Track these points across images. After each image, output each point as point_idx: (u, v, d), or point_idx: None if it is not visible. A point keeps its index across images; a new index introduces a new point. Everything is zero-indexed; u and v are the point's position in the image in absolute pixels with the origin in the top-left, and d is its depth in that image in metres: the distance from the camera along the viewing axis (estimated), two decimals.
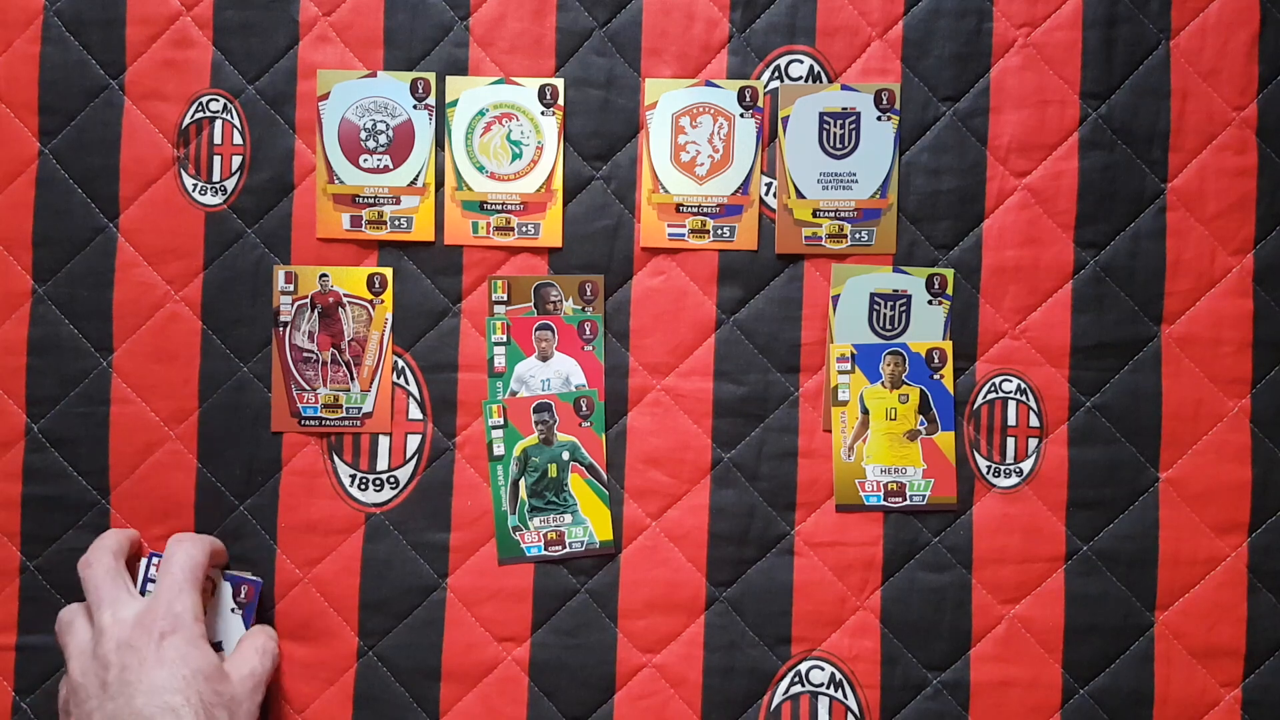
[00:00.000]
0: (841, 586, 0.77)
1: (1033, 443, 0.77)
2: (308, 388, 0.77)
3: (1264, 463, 0.77)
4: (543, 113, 0.78)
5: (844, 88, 0.78)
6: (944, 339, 0.77)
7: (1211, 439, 0.77)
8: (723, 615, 0.77)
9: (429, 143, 0.78)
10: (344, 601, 0.77)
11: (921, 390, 0.77)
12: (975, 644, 0.77)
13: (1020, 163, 0.77)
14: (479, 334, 0.78)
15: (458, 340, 0.78)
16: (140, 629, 0.66)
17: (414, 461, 0.78)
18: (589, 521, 0.77)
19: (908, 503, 0.77)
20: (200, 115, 0.78)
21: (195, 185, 0.78)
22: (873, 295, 0.77)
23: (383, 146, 0.78)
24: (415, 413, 0.78)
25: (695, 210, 0.77)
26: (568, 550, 0.77)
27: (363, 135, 0.78)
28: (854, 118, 0.78)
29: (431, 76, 0.78)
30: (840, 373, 0.77)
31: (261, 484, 0.78)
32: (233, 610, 0.75)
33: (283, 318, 0.78)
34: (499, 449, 0.77)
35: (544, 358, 0.78)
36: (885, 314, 0.77)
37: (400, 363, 0.78)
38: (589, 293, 0.78)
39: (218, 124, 0.78)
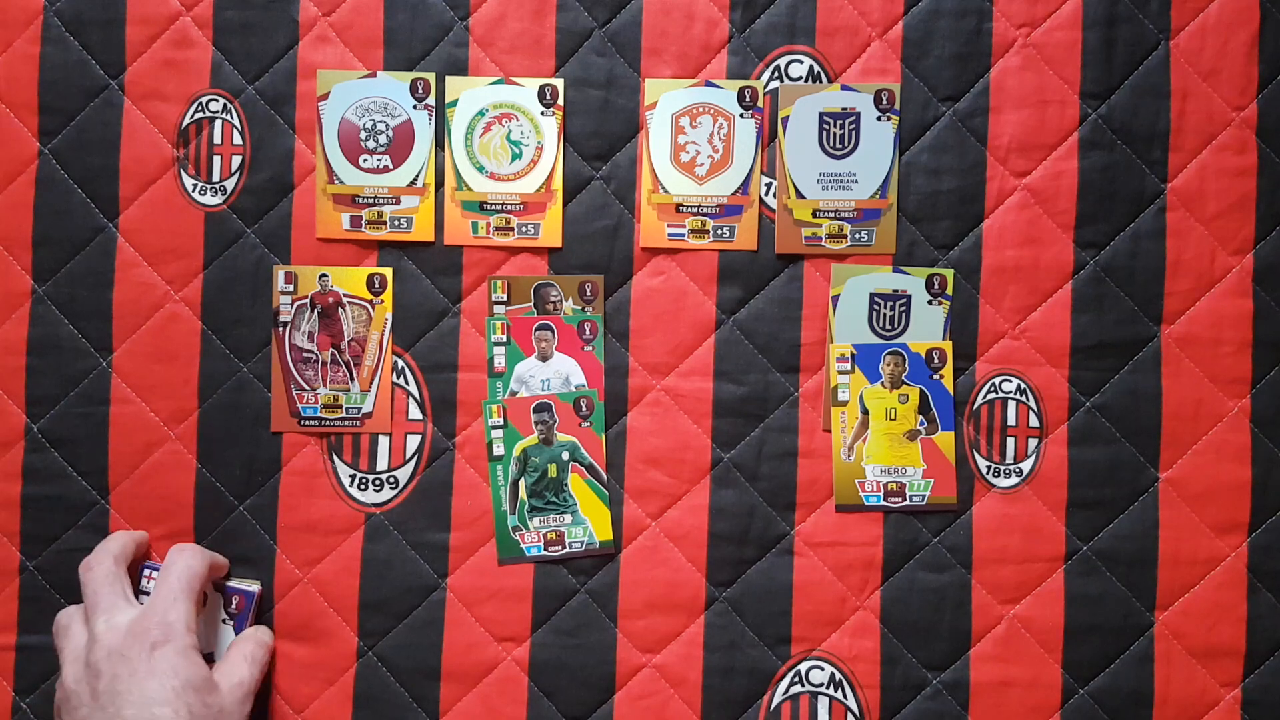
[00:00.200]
0: (841, 586, 0.77)
1: (1033, 443, 0.77)
2: (308, 388, 0.77)
3: (1264, 463, 0.77)
4: (543, 113, 0.78)
5: (844, 88, 0.78)
6: (944, 339, 0.77)
7: (1211, 439, 0.77)
8: (723, 615, 0.77)
9: (429, 143, 0.78)
10: (344, 601, 0.77)
11: (921, 390, 0.77)
12: (975, 644, 0.77)
13: (1020, 163, 0.77)
14: (479, 334, 0.78)
15: (458, 340, 0.78)
16: (133, 638, 0.66)
17: (414, 461, 0.78)
18: (589, 521, 0.77)
19: (908, 503, 0.77)
20: (200, 115, 0.78)
21: (195, 185, 0.78)
22: (873, 295, 0.77)
23: (383, 146, 0.78)
24: (415, 413, 0.78)
25: (695, 210, 0.77)
26: (568, 550, 0.77)
27: (363, 135, 0.78)
28: (854, 118, 0.78)
29: (431, 76, 0.78)
30: (840, 373, 0.77)
31: (261, 484, 0.78)
32: (224, 621, 0.75)
33: (283, 318, 0.78)
34: (499, 449, 0.77)
35: (544, 358, 0.78)
36: (885, 314, 0.77)
37: (400, 363, 0.78)
38: (589, 293, 0.78)
39: (218, 124, 0.78)
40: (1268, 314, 0.77)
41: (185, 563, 0.70)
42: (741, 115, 0.78)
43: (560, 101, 0.78)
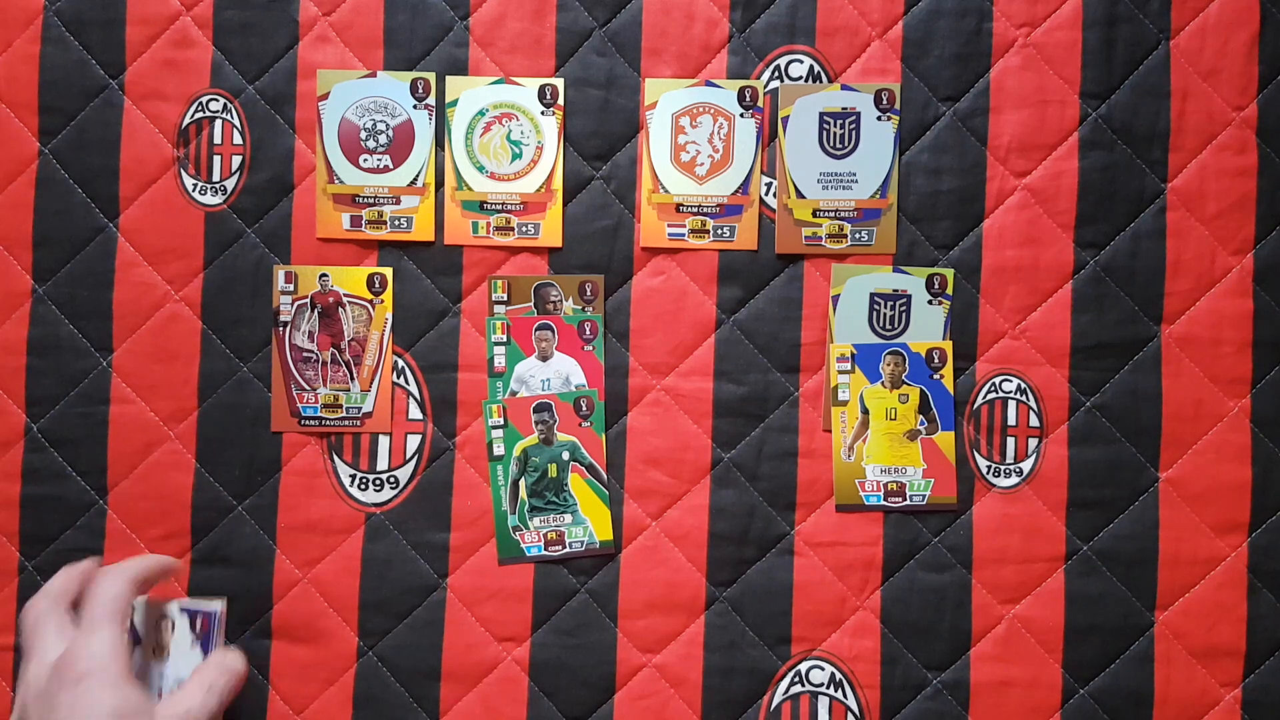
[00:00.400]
0: (841, 586, 0.77)
1: (1033, 443, 0.77)
2: (308, 388, 0.77)
3: (1264, 463, 0.77)
4: (543, 113, 0.78)
5: (844, 88, 0.78)
6: (944, 339, 0.77)
7: (1211, 439, 0.77)
8: (723, 615, 0.77)
9: (429, 143, 0.78)
10: (344, 601, 0.77)
11: (921, 390, 0.77)
12: (975, 644, 0.77)
13: (1020, 163, 0.77)
14: (479, 334, 0.78)
15: (458, 340, 0.78)
16: (57, 677, 0.61)
17: (414, 461, 0.78)
18: (589, 521, 0.77)
19: (908, 503, 0.77)
20: (200, 115, 0.78)
21: (195, 185, 0.78)
22: (873, 295, 0.77)
23: (383, 146, 0.78)
24: (415, 413, 0.78)
25: (695, 210, 0.77)
26: (568, 550, 0.77)
27: (363, 135, 0.78)
28: (854, 118, 0.78)
29: (431, 76, 0.78)
30: (840, 373, 0.77)
31: (261, 484, 0.78)
32: (192, 644, 0.71)
33: (283, 318, 0.78)
34: (499, 449, 0.77)
35: (544, 358, 0.78)
36: (885, 314, 0.77)
37: (400, 363, 0.78)
38: (589, 293, 0.78)
39: (218, 124, 0.78)
40: (1268, 314, 0.77)
41: (104, 588, 0.65)
42: (742, 115, 0.78)
43: (560, 101, 0.78)
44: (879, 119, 0.78)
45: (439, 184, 0.78)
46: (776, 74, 0.78)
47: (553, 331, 0.77)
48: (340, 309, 0.78)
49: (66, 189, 0.78)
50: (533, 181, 0.77)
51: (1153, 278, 0.77)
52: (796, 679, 0.76)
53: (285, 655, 0.77)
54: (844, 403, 0.77)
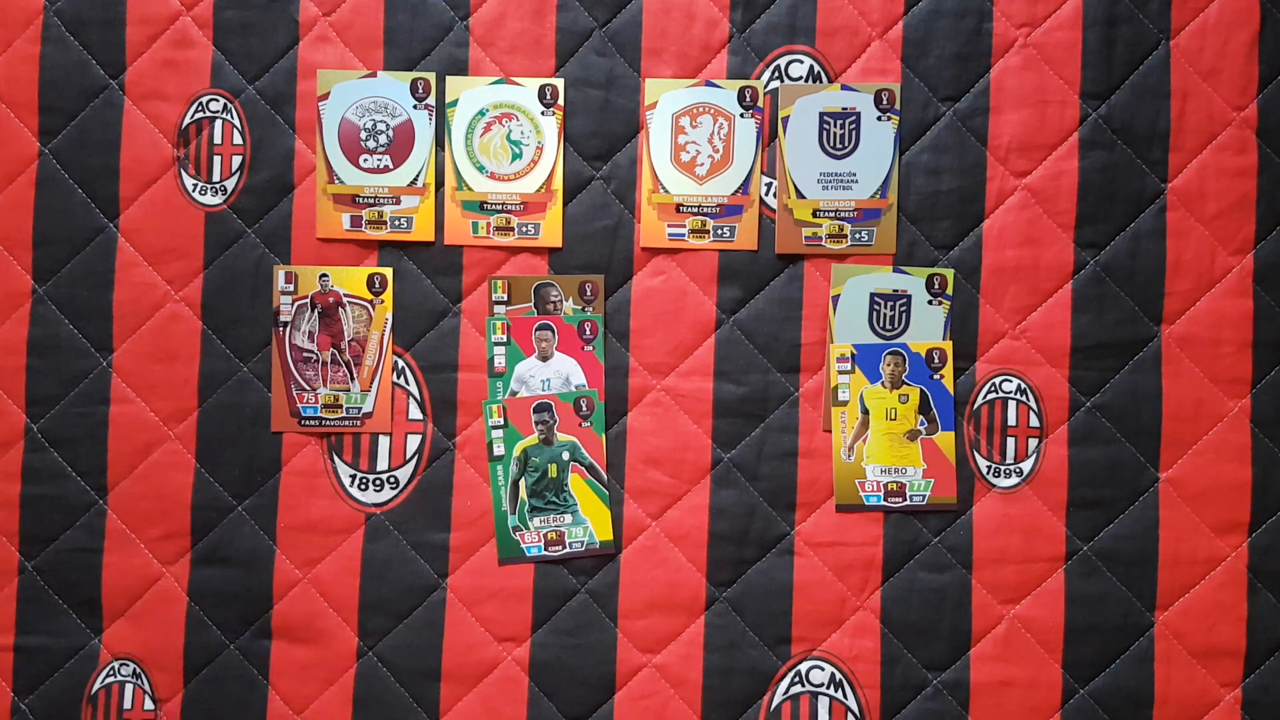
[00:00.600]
0: (841, 586, 0.77)
1: (1033, 443, 0.77)
2: (308, 388, 0.77)
3: (1264, 463, 0.77)
4: (543, 113, 0.78)
5: (844, 88, 0.78)
6: (944, 339, 0.77)
7: (1211, 439, 0.77)
8: (723, 615, 0.77)
9: (429, 143, 0.78)
10: (344, 601, 0.77)
11: (921, 390, 0.77)
12: (975, 644, 0.77)
13: (1020, 163, 0.78)
14: (479, 334, 0.78)
15: (458, 340, 0.78)
16: None
17: (414, 461, 0.78)
18: (589, 521, 0.77)
19: (908, 503, 0.77)
20: (200, 115, 0.78)
21: (195, 185, 0.78)
22: (873, 295, 0.77)
23: (383, 146, 0.78)
24: (415, 413, 0.78)
25: (695, 210, 0.77)
26: (568, 550, 0.77)
27: (363, 135, 0.78)
28: (854, 118, 0.78)
29: (431, 76, 0.78)
30: (840, 373, 0.77)
31: (261, 484, 0.78)
32: None
33: (283, 318, 0.78)
34: (499, 449, 0.77)
35: (544, 358, 0.78)
36: (885, 314, 0.77)
37: (400, 363, 0.78)
38: (589, 293, 0.78)
39: (218, 124, 0.78)
40: (1268, 314, 0.77)
41: None
42: (742, 115, 0.78)
43: (560, 101, 0.78)
44: (879, 119, 0.78)
45: (439, 184, 0.78)
46: (776, 74, 0.78)
47: (553, 331, 0.77)
48: (340, 309, 0.78)
49: (66, 189, 0.78)
50: (533, 181, 0.77)
51: (1153, 278, 0.77)
52: (796, 679, 0.76)
53: (285, 655, 0.77)
54: (844, 403, 0.77)
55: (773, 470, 0.77)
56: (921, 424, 0.77)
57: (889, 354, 0.77)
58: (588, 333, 0.77)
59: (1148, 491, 0.77)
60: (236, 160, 0.78)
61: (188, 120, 0.78)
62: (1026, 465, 0.77)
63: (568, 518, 0.77)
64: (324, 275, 0.78)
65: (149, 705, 0.77)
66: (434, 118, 0.78)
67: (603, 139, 0.78)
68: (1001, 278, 0.77)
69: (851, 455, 0.77)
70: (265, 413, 0.78)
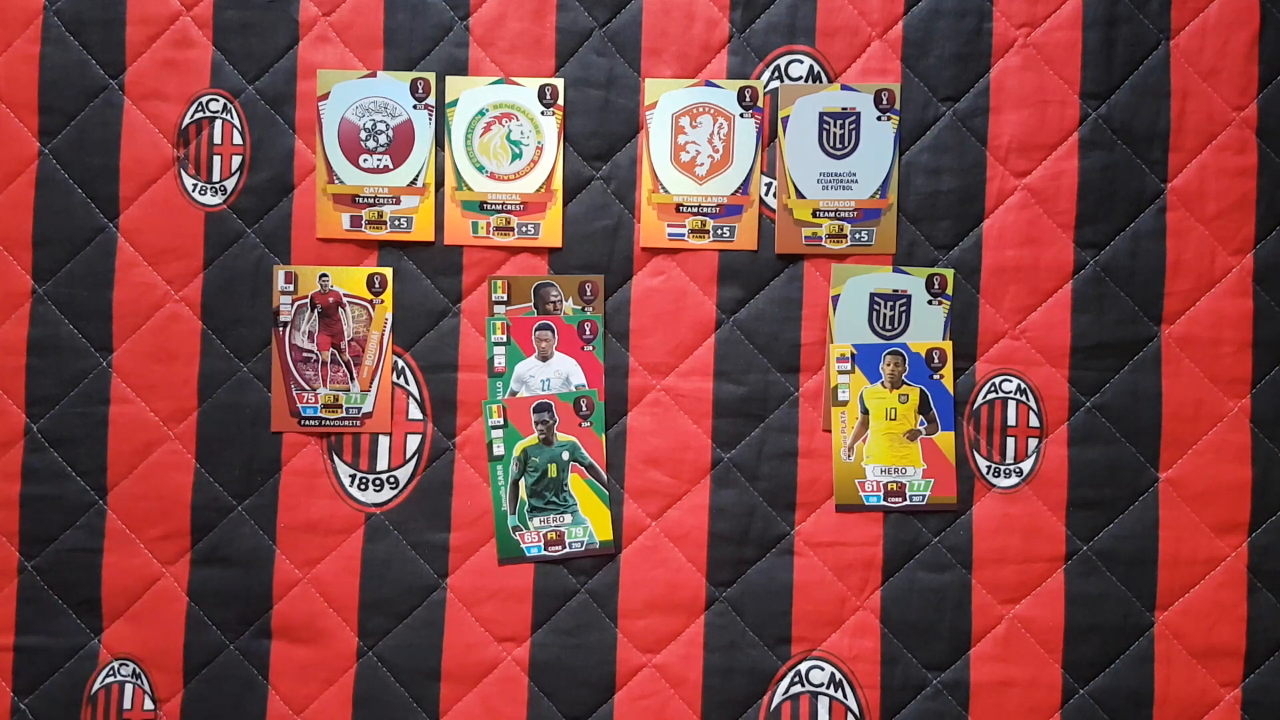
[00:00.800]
0: (841, 586, 0.77)
1: (1033, 443, 0.77)
2: (308, 388, 0.77)
3: (1264, 463, 0.77)
4: (543, 113, 0.78)
5: (844, 88, 0.78)
6: (944, 339, 0.77)
7: (1211, 439, 0.77)
8: (723, 615, 0.77)
9: (429, 143, 0.78)
10: (344, 601, 0.77)
11: (921, 390, 0.77)
12: (975, 644, 0.77)
13: (1020, 163, 0.77)
14: (479, 334, 0.78)
15: (458, 340, 0.78)
16: None
17: (414, 461, 0.78)
18: (589, 521, 0.77)
19: (908, 503, 0.77)
20: (200, 115, 0.78)
21: (195, 185, 0.78)
22: (873, 295, 0.77)
23: (383, 146, 0.78)
24: (415, 413, 0.78)
25: (695, 210, 0.77)
26: (568, 550, 0.77)
27: (363, 135, 0.78)
28: (854, 118, 0.78)
29: (431, 76, 0.78)
30: (840, 373, 0.77)
31: (261, 484, 0.78)
32: None
33: (283, 318, 0.78)
34: (499, 449, 0.77)
35: (544, 358, 0.78)
36: (885, 314, 0.77)
37: (400, 363, 0.78)
38: (589, 293, 0.78)
39: (218, 124, 0.78)
40: (1268, 314, 0.77)
41: None
42: (741, 115, 0.78)
43: (560, 101, 0.78)
44: (879, 119, 0.78)
45: (439, 184, 0.78)
46: (776, 74, 0.78)
47: (553, 331, 0.77)
48: (340, 309, 0.78)
49: (66, 189, 0.78)
50: (533, 181, 0.77)
51: (1153, 278, 0.77)
52: (796, 679, 0.76)
53: (285, 655, 0.77)
54: (844, 403, 0.77)
55: (773, 470, 0.77)
56: (921, 424, 0.77)
57: (889, 354, 0.77)
58: (588, 333, 0.77)
59: (1148, 491, 0.77)
60: (236, 160, 0.78)
61: (188, 120, 0.78)
62: (1026, 465, 0.77)
63: (568, 518, 0.77)
64: (324, 275, 0.78)
65: (149, 705, 0.77)
66: (434, 118, 0.78)
67: (603, 139, 0.78)
68: (1001, 278, 0.77)
69: (851, 455, 0.77)
70: (265, 413, 0.78)
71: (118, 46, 0.78)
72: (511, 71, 0.78)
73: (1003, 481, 0.77)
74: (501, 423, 0.77)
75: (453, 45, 0.78)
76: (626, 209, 0.78)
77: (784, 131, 0.78)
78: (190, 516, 0.77)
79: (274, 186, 0.78)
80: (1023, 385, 0.77)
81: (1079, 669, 0.76)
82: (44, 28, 0.78)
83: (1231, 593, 0.77)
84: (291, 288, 0.78)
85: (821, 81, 0.78)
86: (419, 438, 0.78)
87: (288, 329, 0.78)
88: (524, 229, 0.77)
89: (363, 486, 0.77)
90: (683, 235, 0.78)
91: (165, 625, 0.77)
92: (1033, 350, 0.77)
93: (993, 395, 0.77)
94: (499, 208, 0.77)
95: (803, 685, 0.76)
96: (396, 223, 0.77)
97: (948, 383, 0.77)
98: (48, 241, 0.78)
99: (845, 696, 0.76)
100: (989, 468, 0.77)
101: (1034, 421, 0.77)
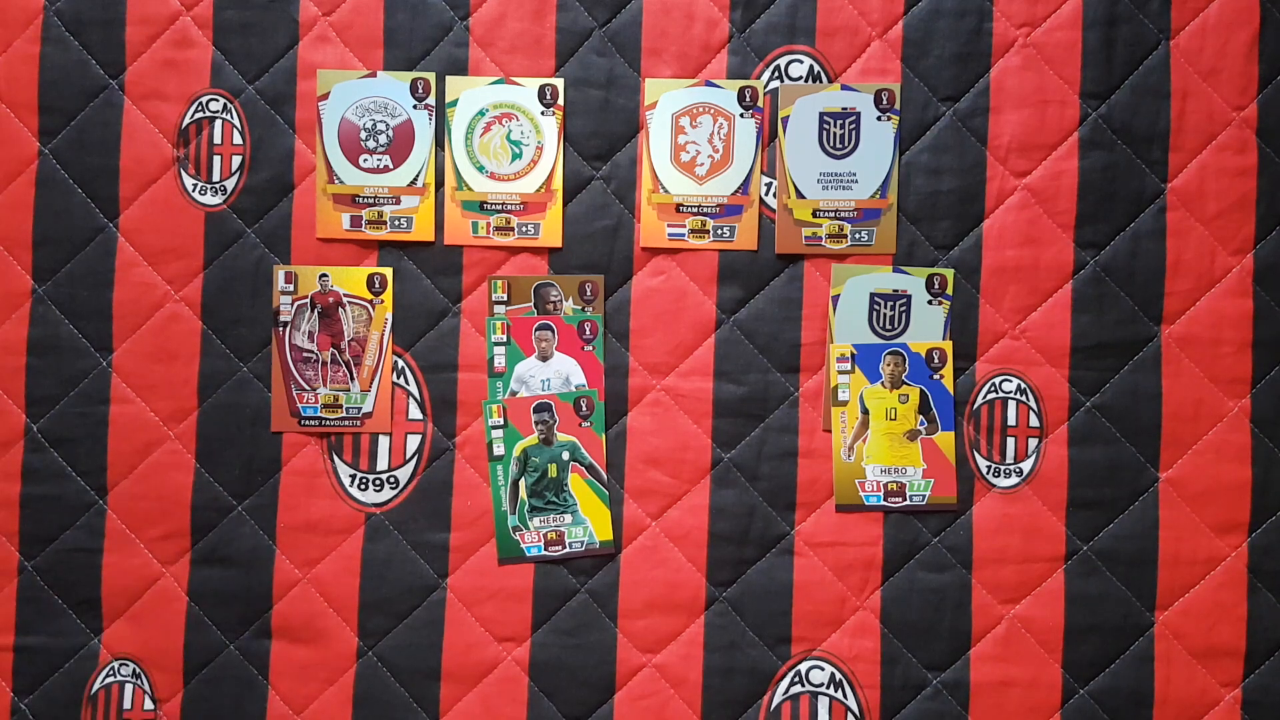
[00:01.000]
0: (841, 586, 0.77)
1: (1033, 443, 0.77)
2: (308, 388, 0.77)
3: (1264, 463, 0.77)
4: (543, 113, 0.78)
5: (844, 88, 0.78)
6: (944, 339, 0.77)
7: (1211, 439, 0.77)
8: (723, 615, 0.77)
9: (429, 143, 0.78)
10: (344, 601, 0.77)
11: (921, 390, 0.77)
12: (975, 644, 0.77)
13: (1020, 163, 0.77)
14: (479, 334, 0.78)
15: (458, 340, 0.78)
16: None
17: (414, 461, 0.78)
18: (589, 521, 0.77)
19: (908, 503, 0.77)
20: (200, 115, 0.78)
21: (195, 185, 0.78)
22: (873, 295, 0.77)
23: (383, 146, 0.78)
24: (415, 413, 0.78)
25: (695, 210, 0.77)
26: (568, 550, 0.77)
27: (363, 135, 0.78)
28: (854, 118, 0.78)
29: (431, 76, 0.78)
30: (840, 373, 0.77)
31: (261, 484, 0.78)
32: None
33: (283, 318, 0.78)
34: (499, 449, 0.77)
35: (544, 358, 0.78)
36: (885, 314, 0.77)
37: (400, 363, 0.78)
38: (589, 293, 0.78)
39: (218, 124, 0.78)
40: (1268, 314, 0.77)
41: None
42: (741, 115, 0.78)
43: (560, 101, 0.78)
44: (879, 119, 0.78)
45: (439, 184, 0.78)
46: (776, 74, 0.78)
47: (553, 331, 0.77)
48: (340, 309, 0.78)
49: (66, 189, 0.78)
50: (533, 181, 0.77)
51: (1153, 278, 0.77)
52: (796, 679, 0.76)
53: (285, 655, 0.77)
54: (844, 403, 0.77)
55: (773, 470, 0.77)
56: (921, 424, 0.77)
57: (889, 354, 0.77)
58: (588, 333, 0.77)
59: (1148, 491, 0.77)
60: (236, 160, 0.78)
61: (188, 120, 0.78)
62: (1026, 465, 0.77)
63: (568, 518, 0.77)
64: (324, 275, 0.78)
65: (149, 705, 0.77)
66: (434, 118, 0.78)
67: (603, 139, 0.78)
68: (1001, 278, 0.77)
69: (851, 455, 0.77)
70: (265, 413, 0.78)
71: (118, 46, 0.78)
72: (511, 71, 0.78)
73: (1003, 481, 0.77)
74: (501, 423, 0.77)
75: (453, 45, 0.78)
76: (626, 209, 0.78)
77: (784, 131, 0.78)
78: (190, 516, 0.77)
79: (274, 186, 0.78)
80: (1023, 385, 0.77)
81: (1079, 669, 0.76)
82: (44, 28, 0.78)
83: (1231, 593, 0.77)
84: (291, 288, 0.78)
85: (821, 81, 0.78)
86: (419, 438, 0.78)
87: (288, 329, 0.78)
88: (524, 229, 0.77)
89: (363, 486, 0.77)
90: (683, 235, 0.78)
91: (165, 625, 0.77)
92: (1033, 350, 0.77)
93: (993, 395, 0.77)
94: (499, 208, 0.77)
95: (803, 685, 0.76)
96: (396, 223, 0.77)
97: (948, 383, 0.77)
98: (48, 241, 0.78)
99: (845, 696, 0.76)
100: (989, 468, 0.77)
101: (1034, 421, 0.77)
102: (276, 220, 0.78)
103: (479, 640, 0.77)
